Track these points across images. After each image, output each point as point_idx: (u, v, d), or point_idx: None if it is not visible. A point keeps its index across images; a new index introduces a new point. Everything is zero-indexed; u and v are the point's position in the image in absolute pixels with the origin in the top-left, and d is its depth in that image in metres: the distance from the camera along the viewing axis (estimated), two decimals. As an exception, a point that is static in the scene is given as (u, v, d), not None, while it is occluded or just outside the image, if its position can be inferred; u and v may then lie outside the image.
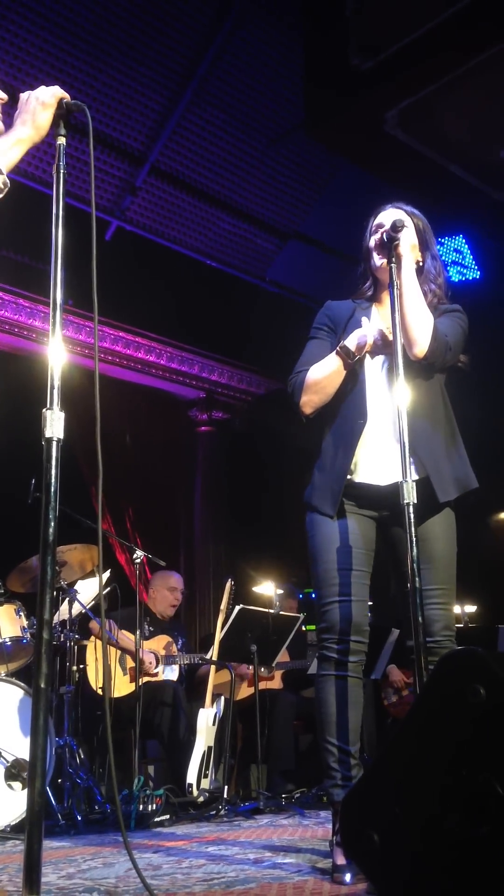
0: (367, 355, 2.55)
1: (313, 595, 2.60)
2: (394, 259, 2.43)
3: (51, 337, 1.75)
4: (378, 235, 2.53)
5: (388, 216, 2.57)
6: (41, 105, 1.92)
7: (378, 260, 2.55)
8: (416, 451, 2.40)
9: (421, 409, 2.47)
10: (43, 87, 1.97)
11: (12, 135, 1.93)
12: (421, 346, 2.42)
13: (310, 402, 2.55)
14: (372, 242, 2.59)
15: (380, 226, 2.56)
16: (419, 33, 4.94)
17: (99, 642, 4.61)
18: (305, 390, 2.54)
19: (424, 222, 2.63)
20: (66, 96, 1.96)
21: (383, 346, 2.51)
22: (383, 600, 3.19)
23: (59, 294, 1.76)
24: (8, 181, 1.90)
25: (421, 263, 2.60)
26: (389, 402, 2.48)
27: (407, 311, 2.42)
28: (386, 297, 2.60)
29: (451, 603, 2.49)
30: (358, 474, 2.49)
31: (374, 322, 2.58)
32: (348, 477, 2.49)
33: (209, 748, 4.36)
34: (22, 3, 5.52)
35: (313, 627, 5.55)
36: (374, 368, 2.55)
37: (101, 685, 4.54)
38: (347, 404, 2.53)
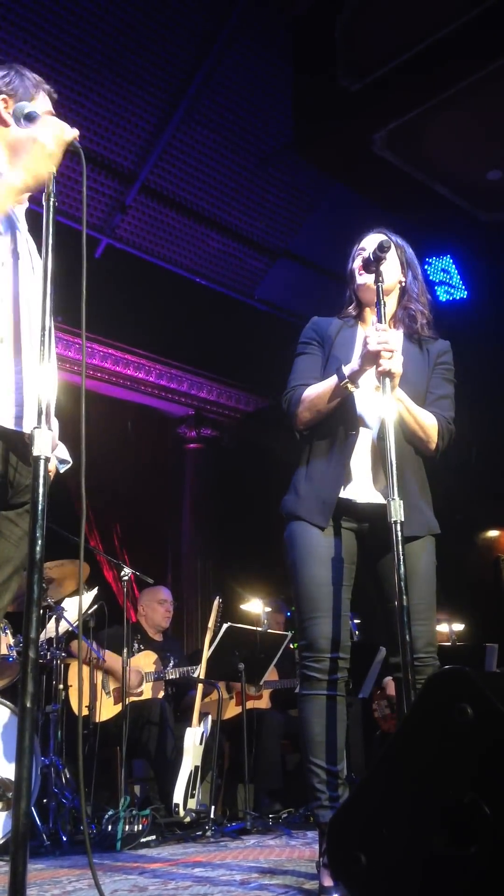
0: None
1: (288, 614, 2.59)
2: (381, 279, 2.45)
3: (40, 359, 1.74)
4: (364, 255, 2.56)
5: (371, 240, 2.61)
6: (48, 157, 1.81)
7: (360, 279, 2.57)
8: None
9: (402, 444, 2.48)
10: (52, 129, 1.84)
11: (10, 179, 1.82)
12: (431, 450, 2.57)
13: (302, 418, 2.55)
14: (356, 264, 2.62)
15: (363, 250, 2.60)
16: (407, 56, 5.01)
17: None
18: (301, 407, 2.54)
19: (407, 247, 2.67)
20: (76, 138, 1.86)
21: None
22: (371, 618, 3.19)
23: (48, 319, 1.76)
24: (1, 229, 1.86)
25: (403, 284, 2.64)
26: (373, 419, 2.50)
27: (414, 426, 2.51)
28: (369, 315, 2.63)
29: (432, 619, 2.48)
30: (344, 488, 2.49)
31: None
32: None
33: (196, 768, 4.33)
34: (13, 22, 5.56)
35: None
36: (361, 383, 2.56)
37: (83, 708, 4.51)
38: (337, 416, 2.53)
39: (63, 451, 2.10)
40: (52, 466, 2.11)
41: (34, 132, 1.86)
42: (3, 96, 2.06)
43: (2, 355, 1.88)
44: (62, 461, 2.11)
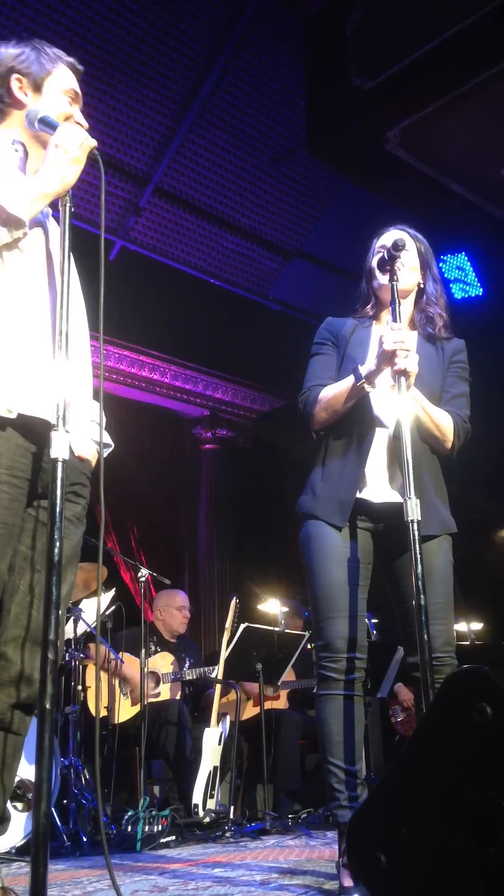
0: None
1: (306, 614, 2.58)
2: (396, 278, 2.44)
3: (56, 359, 1.75)
4: (380, 254, 2.55)
5: (389, 237, 2.60)
6: (72, 161, 1.81)
7: (381, 278, 2.56)
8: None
9: (417, 443, 2.47)
10: (73, 134, 1.84)
11: (40, 186, 1.81)
12: (447, 449, 2.56)
13: (319, 418, 2.54)
14: (374, 262, 2.61)
15: (383, 247, 2.59)
16: (419, 54, 5.00)
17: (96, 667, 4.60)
18: (317, 407, 2.53)
19: (426, 245, 2.66)
20: (95, 145, 1.85)
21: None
22: (389, 618, 3.18)
23: (65, 324, 1.76)
24: (27, 230, 1.86)
25: (422, 286, 2.63)
26: (389, 418, 2.50)
27: (430, 425, 2.50)
28: (385, 314, 2.62)
29: (450, 618, 2.47)
30: (360, 488, 2.49)
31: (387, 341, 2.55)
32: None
33: (215, 768, 4.33)
34: (26, 27, 5.59)
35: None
36: (377, 383, 2.55)
37: (99, 710, 4.52)
38: (353, 416, 2.53)
39: (105, 436, 2.05)
40: (94, 453, 2.07)
41: (56, 139, 1.84)
42: (17, 76, 1.99)
43: (27, 349, 1.86)
44: (105, 445, 2.05)
